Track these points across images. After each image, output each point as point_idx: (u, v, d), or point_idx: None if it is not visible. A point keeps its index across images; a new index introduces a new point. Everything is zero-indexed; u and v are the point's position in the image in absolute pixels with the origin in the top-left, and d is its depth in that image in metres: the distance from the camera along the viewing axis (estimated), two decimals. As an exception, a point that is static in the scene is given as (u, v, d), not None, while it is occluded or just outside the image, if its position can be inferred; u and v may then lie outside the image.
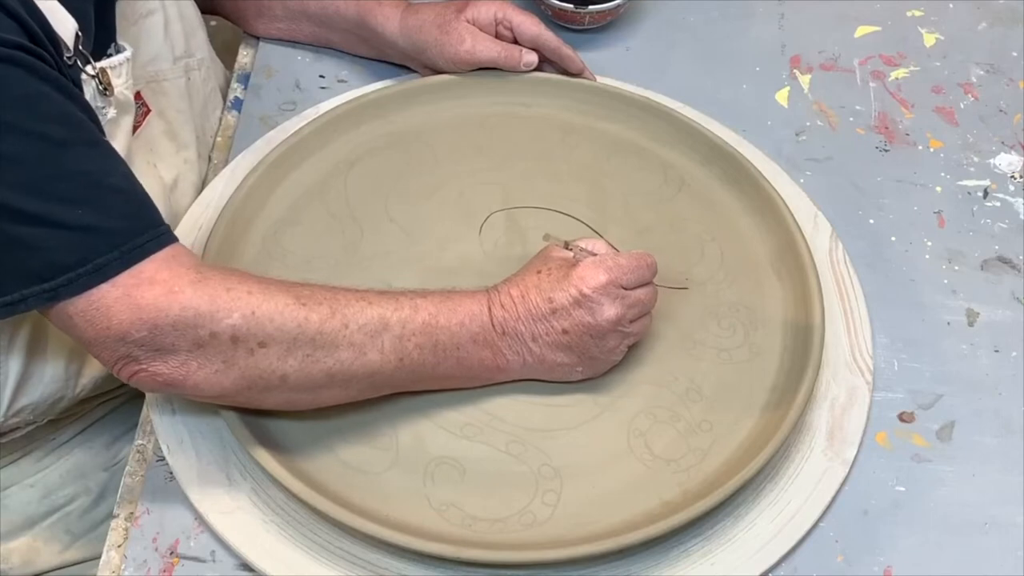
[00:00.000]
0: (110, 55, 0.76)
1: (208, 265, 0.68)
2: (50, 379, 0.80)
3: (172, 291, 0.64)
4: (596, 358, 0.74)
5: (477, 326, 0.72)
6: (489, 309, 0.72)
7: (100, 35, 0.75)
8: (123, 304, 0.64)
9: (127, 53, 0.77)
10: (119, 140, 0.78)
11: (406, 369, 0.70)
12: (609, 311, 0.72)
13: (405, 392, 0.75)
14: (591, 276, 0.72)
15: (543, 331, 0.73)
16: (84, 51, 0.72)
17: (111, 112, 0.76)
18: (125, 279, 0.64)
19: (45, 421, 0.85)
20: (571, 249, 0.76)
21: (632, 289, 0.74)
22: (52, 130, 0.63)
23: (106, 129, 0.75)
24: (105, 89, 0.74)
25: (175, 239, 0.67)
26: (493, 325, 0.72)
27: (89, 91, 0.73)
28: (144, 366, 0.65)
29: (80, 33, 0.70)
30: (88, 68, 0.72)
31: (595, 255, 0.75)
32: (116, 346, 0.65)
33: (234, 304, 0.65)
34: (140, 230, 0.65)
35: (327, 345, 0.67)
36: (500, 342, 0.73)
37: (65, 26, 0.69)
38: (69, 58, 0.70)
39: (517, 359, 0.74)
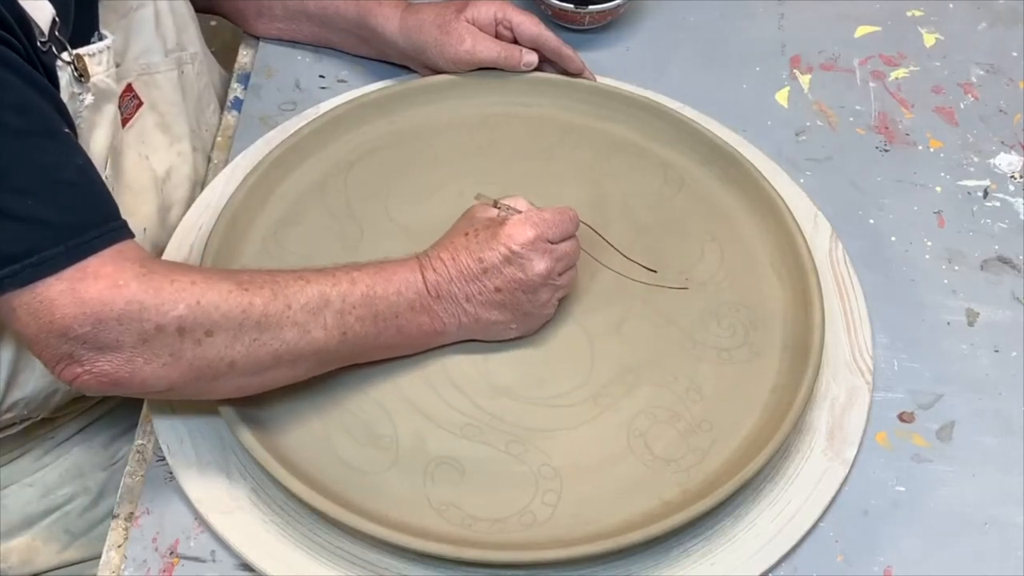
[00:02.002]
0: (93, 43, 0.76)
1: (154, 259, 0.68)
2: (41, 372, 0.80)
3: (117, 285, 0.64)
4: (529, 313, 0.76)
5: (413, 292, 0.73)
6: (422, 274, 0.74)
7: (82, 23, 0.75)
8: (67, 298, 0.63)
9: (107, 41, 0.77)
10: (102, 128, 0.78)
11: (349, 342, 0.71)
12: (539, 265, 0.74)
13: (404, 392, 0.75)
14: (519, 233, 0.74)
15: (476, 291, 0.74)
16: (61, 37, 0.71)
17: (88, 98, 0.75)
18: (70, 273, 0.63)
19: (40, 417, 0.85)
20: (498, 208, 0.77)
21: (558, 243, 0.75)
22: (7, 118, 0.63)
23: (86, 117, 0.75)
24: (80, 76, 0.74)
25: (127, 235, 0.67)
26: (428, 290, 0.73)
27: (65, 77, 0.73)
28: (87, 367, 0.64)
29: (57, 19, 0.70)
30: (64, 55, 0.72)
31: (520, 212, 0.76)
32: (58, 343, 0.64)
33: (179, 295, 0.65)
34: (90, 225, 0.65)
35: (272, 327, 0.68)
36: (436, 306, 0.74)
37: (42, 12, 0.69)
38: (44, 43, 0.69)
39: (453, 321, 0.75)
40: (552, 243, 0.75)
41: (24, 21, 0.67)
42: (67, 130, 0.68)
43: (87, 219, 0.65)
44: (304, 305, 0.69)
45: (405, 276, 0.73)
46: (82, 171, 0.67)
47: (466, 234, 0.75)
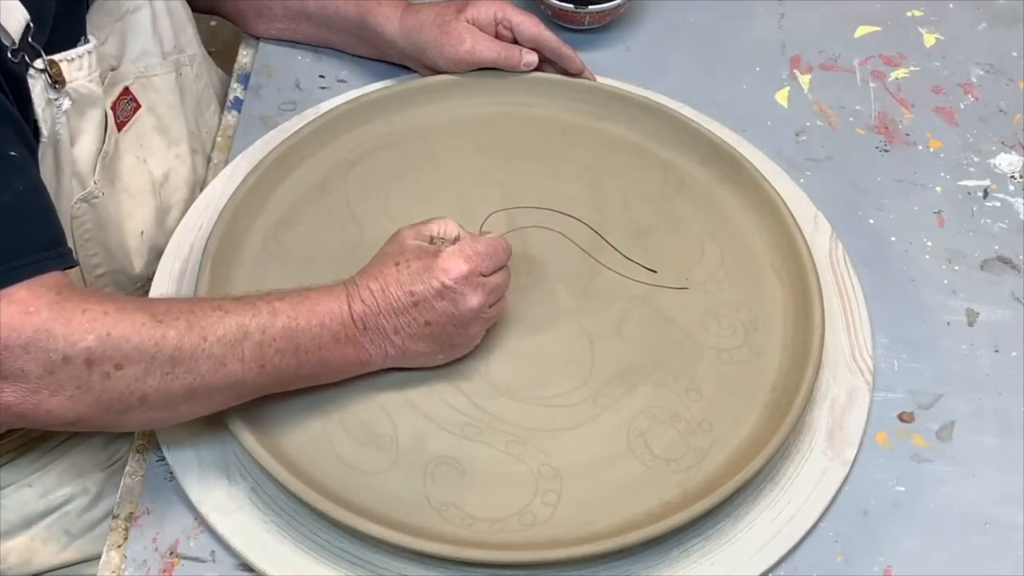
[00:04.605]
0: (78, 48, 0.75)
1: (71, 287, 0.65)
2: None
3: (27, 312, 0.61)
4: (457, 344, 0.75)
5: (338, 324, 0.71)
6: (349, 306, 0.71)
7: (67, 27, 0.74)
8: None
9: (89, 46, 0.76)
10: (88, 135, 0.77)
11: (268, 374, 0.69)
12: (472, 300, 0.72)
13: (404, 392, 0.75)
14: (453, 267, 0.72)
15: (405, 323, 0.72)
16: (35, 44, 0.70)
17: (65, 103, 0.74)
18: None
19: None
20: (432, 241, 0.75)
21: (490, 275, 0.74)
22: None
23: (70, 124, 0.75)
24: (55, 82, 0.73)
25: (59, 265, 0.65)
26: (354, 321, 0.71)
27: (38, 85, 0.72)
28: None
29: (32, 24, 0.69)
30: (37, 62, 0.71)
31: (452, 242, 0.74)
32: None
33: (89, 325, 0.63)
34: (20, 252, 0.63)
35: (186, 360, 0.65)
36: (362, 337, 0.72)
37: (12, 18, 0.68)
38: (14, 52, 0.68)
39: (379, 352, 0.73)
40: (484, 276, 0.73)
41: None
42: (14, 152, 0.66)
43: (16, 246, 0.63)
44: (221, 338, 0.66)
45: (330, 307, 0.71)
46: (21, 196, 0.65)
47: (396, 264, 0.73)
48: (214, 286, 0.77)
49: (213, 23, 1.08)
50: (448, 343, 0.74)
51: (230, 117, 0.96)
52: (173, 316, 0.66)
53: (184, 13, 0.90)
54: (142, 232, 0.85)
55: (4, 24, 0.68)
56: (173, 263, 0.83)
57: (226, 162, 0.91)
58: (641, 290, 0.82)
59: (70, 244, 0.71)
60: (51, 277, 0.64)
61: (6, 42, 0.68)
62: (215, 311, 0.67)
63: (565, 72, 0.94)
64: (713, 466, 0.73)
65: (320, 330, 0.70)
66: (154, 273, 0.84)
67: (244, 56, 1.01)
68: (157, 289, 0.82)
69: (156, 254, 0.85)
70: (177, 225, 0.86)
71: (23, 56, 0.70)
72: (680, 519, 0.68)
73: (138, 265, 0.86)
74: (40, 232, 0.66)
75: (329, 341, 0.70)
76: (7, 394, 0.62)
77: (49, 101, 0.73)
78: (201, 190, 0.89)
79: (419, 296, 0.72)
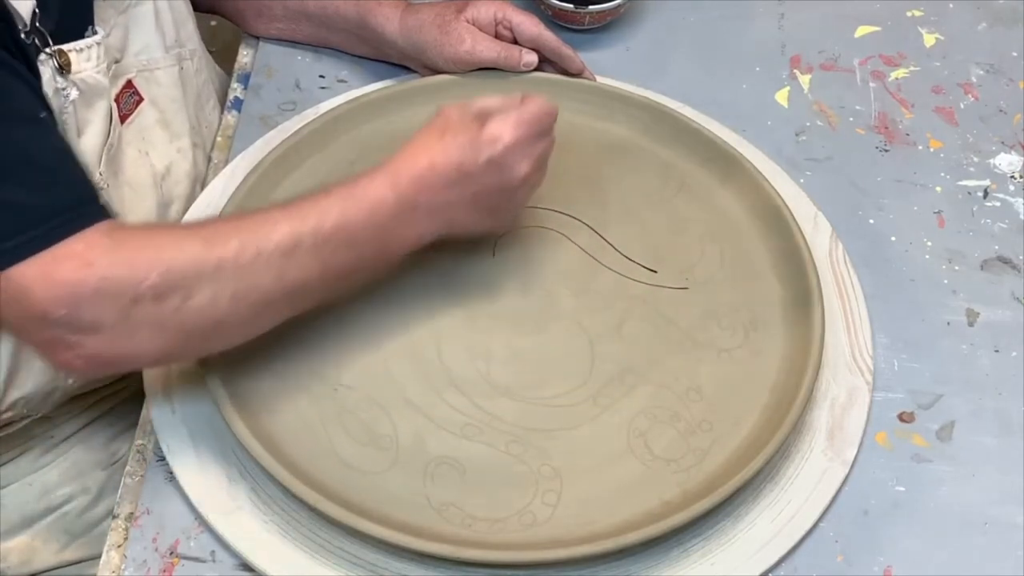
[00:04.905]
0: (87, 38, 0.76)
1: (121, 229, 0.66)
2: (39, 370, 0.80)
3: (88, 264, 0.62)
4: (504, 211, 0.76)
5: (387, 209, 0.70)
6: (396, 188, 0.70)
7: (73, 17, 0.75)
8: (41, 283, 0.62)
9: (97, 36, 0.76)
10: (95, 125, 0.77)
11: (330, 273, 0.69)
12: (519, 169, 0.72)
13: (404, 392, 0.75)
14: (499, 137, 0.71)
15: (454, 197, 0.72)
16: (42, 28, 0.71)
17: (73, 93, 0.75)
18: (44, 256, 0.62)
19: (40, 415, 0.85)
20: (476, 111, 0.73)
21: (537, 142, 0.74)
22: None
23: (77, 114, 0.75)
24: (62, 69, 0.73)
25: (103, 216, 0.65)
26: (403, 202, 0.70)
27: (47, 72, 0.72)
28: (76, 350, 0.63)
29: (38, 11, 0.70)
30: (46, 48, 0.72)
31: (496, 112, 0.73)
32: (40, 328, 0.63)
33: (149, 264, 0.63)
34: (65, 208, 0.64)
35: (247, 277, 0.66)
36: (412, 217, 0.71)
37: (21, 2, 0.69)
38: (26, 35, 0.69)
39: (430, 227, 0.73)
40: (531, 144, 0.73)
41: (4, 9, 0.67)
42: (44, 115, 0.67)
43: (62, 202, 0.64)
44: (275, 249, 0.66)
45: (378, 193, 0.70)
46: (58, 154, 0.66)
47: (442, 138, 0.71)
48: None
49: (213, 23, 1.08)
50: (495, 211, 0.75)
51: (230, 117, 0.96)
52: (225, 237, 0.66)
53: (185, 8, 0.90)
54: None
55: (16, 6, 0.68)
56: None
57: (226, 162, 0.91)
58: (641, 290, 0.82)
59: None
60: (101, 226, 0.64)
61: (19, 24, 0.69)
62: (264, 224, 0.67)
63: (565, 72, 0.94)
64: (713, 466, 0.73)
65: (371, 218, 0.69)
66: None
67: (244, 56, 1.01)
68: None
69: None
70: (179, 218, 0.86)
71: (33, 39, 0.70)
72: (680, 519, 0.68)
73: None
74: (82, 186, 0.66)
75: (381, 228, 0.70)
76: (90, 346, 0.63)
77: (57, 91, 0.73)
78: (202, 187, 0.89)
79: (467, 168, 0.71)
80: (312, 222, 0.68)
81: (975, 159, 0.95)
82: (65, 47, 0.74)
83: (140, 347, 0.64)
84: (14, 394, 0.79)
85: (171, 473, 0.73)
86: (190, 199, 0.88)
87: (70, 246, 0.63)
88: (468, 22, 0.91)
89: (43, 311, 0.62)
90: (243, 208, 0.81)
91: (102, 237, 0.64)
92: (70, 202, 0.64)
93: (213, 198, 0.87)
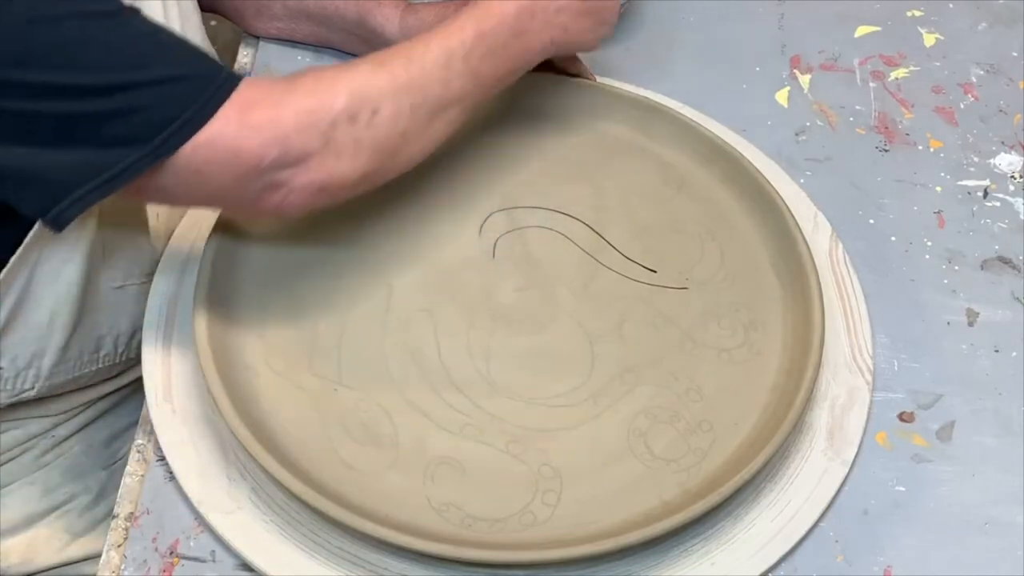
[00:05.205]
0: None
1: (280, 77, 0.70)
2: (33, 325, 0.79)
3: (277, 103, 0.66)
4: (605, 19, 0.83)
5: (511, 19, 0.77)
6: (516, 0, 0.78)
7: None
8: (244, 134, 0.65)
9: None
10: None
11: (481, 82, 0.76)
12: None
13: (404, 392, 0.75)
14: None
15: (564, 2, 0.80)
16: None
17: None
18: (230, 113, 0.65)
19: (31, 391, 0.83)
20: None
21: None
22: (99, 5, 0.64)
23: None
24: None
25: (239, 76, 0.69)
26: (523, 10, 0.78)
27: None
28: (289, 186, 0.68)
29: None
30: None
31: None
32: (256, 179, 0.66)
33: (332, 88, 0.68)
34: (216, 68, 0.66)
35: (419, 89, 0.72)
36: (532, 24, 0.79)
37: None
38: None
39: (547, 36, 0.80)
40: None
41: None
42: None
43: (211, 64, 0.66)
44: (435, 62, 0.73)
45: (501, 7, 0.77)
46: (170, 32, 0.68)
47: None
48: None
49: (213, 23, 1.08)
50: (599, 16, 0.83)
51: (230, 117, 0.96)
52: (390, 58, 0.72)
53: (191, 5, 0.90)
54: (157, 215, 0.86)
55: None
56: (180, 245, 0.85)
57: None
58: (641, 290, 0.83)
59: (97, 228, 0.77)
60: (251, 80, 0.67)
61: None
62: (419, 44, 0.74)
63: (565, 72, 0.94)
64: (713, 466, 0.73)
65: (501, 28, 0.77)
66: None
67: (244, 56, 1.01)
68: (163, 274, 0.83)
69: (171, 233, 0.87)
70: (183, 212, 0.87)
71: None
72: (680, 519, 0.68)
73: (158, 246, 0.87)
74: (207, 55, 0.69)
75: (510, 37, 0.78)
76: (301, 176, 0.67)
77: None
78: None
79: None
80: (456, 37, 0.75)
81: (975, 159, 0.95)
82: None
83: (344, 169, 0.69)
84: (3, 341, 0.79)
85: (171, 473, 0.73)
86: None
87: (248, 97, 0.66)
88: (468, 21, 0.91)
89: (257, 158, 0.65)
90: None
91: (273, 83, 0.67)
92: (214, 64, 0.67)
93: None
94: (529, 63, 0.81)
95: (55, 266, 0.77)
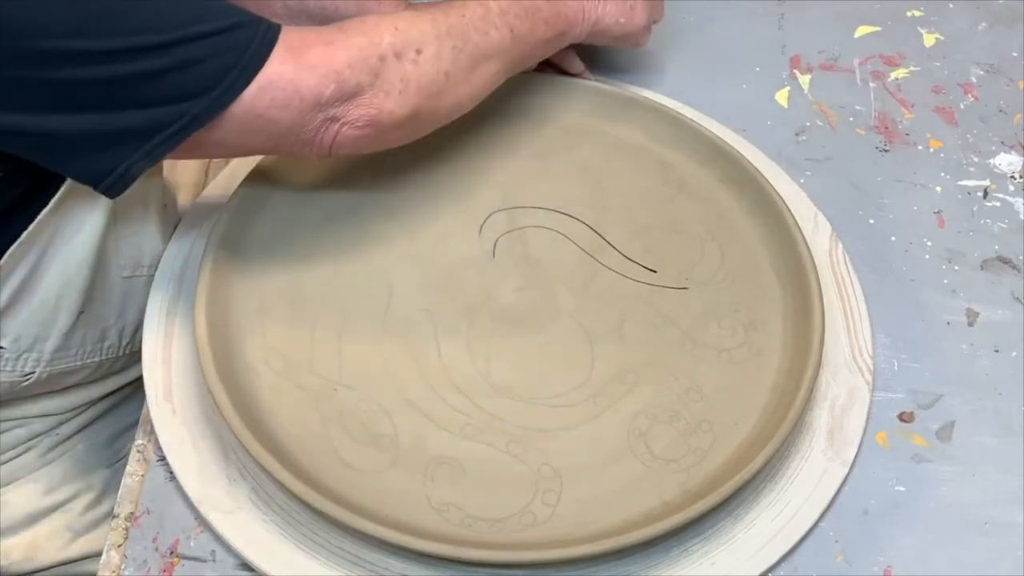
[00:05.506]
0: None
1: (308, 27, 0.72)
2: (38, 306, 0.79)
3: (328, 43, 0.69)
4: (635, 11, 0.88)
5: None
6: None
7: None
8: (302, 72, 0.68)
9: None
10: None
11: (518, 40, 0.79)
12: None
13: (404, 392, 0.75)
14: None
15: None
16: None
17: None
18: (283, 55, 0.67)
19: (32, 376, 0.83)
20: None
21: None
22: None
23: None
24: None
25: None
26: None
27: None
28: (343, 119, 0.71)
29: None
30: None
31: None
32: (315, 115, 0.69)
33: (377, 28, 0.72)
34: (258, 18, 0.67)
35: (459, 34, 0.75)
36: None
37: None
38: None
39: (579, 6, 0.84)
40: None
41: None
42: None
43: (251, 15, 0.68)
44: (473, 14, 0.77)
45: None
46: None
47: None
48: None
49: (213, 23, 1.08)
50: (628, 6, 0.87)
51: (231, 116, 0.96)
52: (430, 8, 0.76)
53: None
54: (165, 205, 0.86)
55: None
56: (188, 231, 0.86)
57: (226, 163, 0.91)
58: (641, 290, 0.83)
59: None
60: (291, 28, 0.69)
61: None
62: (456, 2, 0.77)
63: (565, 73, 0.94)
64: (713, 466, 0.73)
65: None
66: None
67: (244, 56, 1.01)
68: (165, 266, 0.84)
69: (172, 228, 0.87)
70: (188, 208, 0.88)
71: None
72: (680, 519, 0.68)
73: (166, 238, 0.87)
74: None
75: (543, 2, 0.81)
76: (356, 110, 0.71)
77: None
78: (205, 175, 0.90)
79: None
80: None
81: (975, 159, 0.95)
82: None
83: (395, 104, 0.72)
84: (6, 323, 0.78)
85: (171, 473, 0.73)
86: (195, 189, 0.89)
87: (299, 39, 0.68)
88: (468, 21, 0.91)
89: (317, 94, 0.68)
90: (247, 202, 0.82)
91: (316, 29, 0.70)
92: (254, 16, 0.68)
93: (213, 199, 0.87)
94: (565, 33, 0.84)
95: (67, 250, 0.77)
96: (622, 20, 0.87)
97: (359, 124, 0.71)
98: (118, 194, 0.67)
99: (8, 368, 0.81)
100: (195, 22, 0.65)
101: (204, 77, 0.65)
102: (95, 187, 0.67)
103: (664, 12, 0.93)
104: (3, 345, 0.80)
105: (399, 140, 0.77)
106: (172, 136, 0.66)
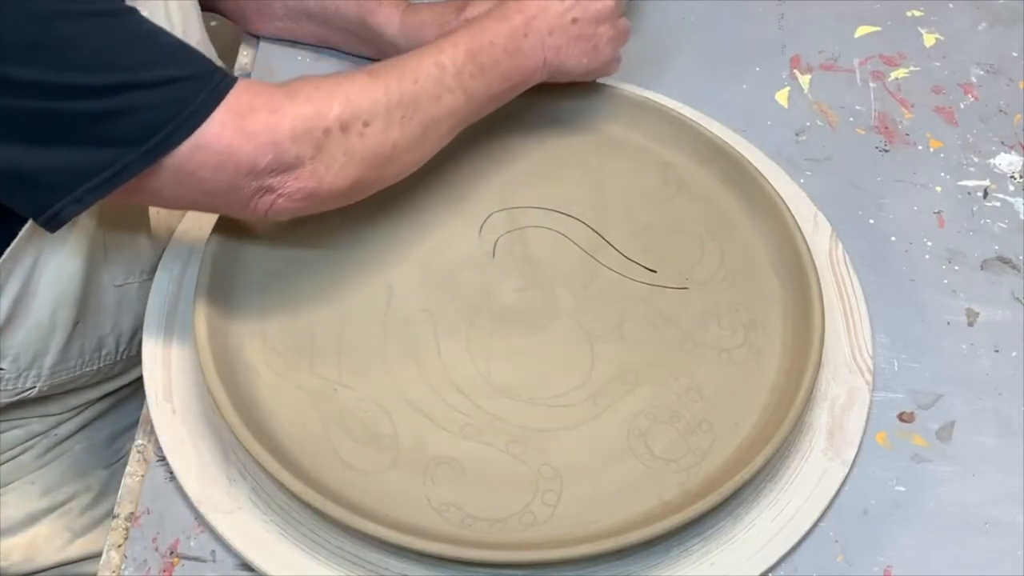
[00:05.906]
0: None
1: (279, 83, 0.71)
2: (34, 323, 0.79)
3: (275, 110, 0.67)
4: (597, 48, 0.85)
5: (504, 37, 0.80)
6: (508, 20, 0.81)
7: None
8: (240, 138, 0.66)
9: None
10: None
11: (471, 99, 0.78)
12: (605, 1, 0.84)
13: (404, 392, 0.75)
14: None
15: (556, 23, 0.82)
16: None
17: None
18: (227, 116, 0.66)
19: (32, 391, 0.83)
20: None
21: None
22: (99, 4, 0.64)
23: None
24: None
25: (233, 77, 0.69)
26: (516, 30, 0.81)
27: None
28: (279, 191, 0.69)
29: None
30: None
31: None
32: (249, 182, 0.68)
33: (328, 98, 0.70)
34: (212, 70, 0.67)
35: (410, 103, 0.74)
36: (524, 44, 0.81)
37: None
38: None
39: (539, 57, 0.82)
40: None
41: None
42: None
43: (207, 65, 0.67)
44: (427, 76, 0.75)
45: (495, 26, 0.80)
46: (167, 33, 0.68)
47: None
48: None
49: (214, 23, 1.07)
50: (591, 46, 0.84)
51: (230, 117, 0.96)
52: (384, 71, 0.74)
53: (191, 5, 0.90)
54: (158, 212, 0.86)
55: None
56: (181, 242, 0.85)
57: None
58: (641, 290, 0.83)
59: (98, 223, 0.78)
60: (254, 83, 0.69)
61: None
62: (412, 59, 0.76)
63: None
64: (713, 466, 0.73)
65: (493, 47, 0.79)
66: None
67: (244, 56, 1.01)
68: (163, 273, 0.83)
69: (170, 233, 0.86)
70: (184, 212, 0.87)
71: None
72: (680, 519, 0.68)
73: (159, 244, 0.87)
74: (203, 56, 0.69)
75: (502, 55, 0.80)
76: (293, 181, 0.69)
77: None
78: None
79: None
80: (448, 54, 0.77)
81: (975, 159, 0.95)
82: None
83: (335, 177, 0.71)
84: (5, 342, 0.78)
85: (171, 473, 0.73)
86: None
87: (247, 101, 0.67)
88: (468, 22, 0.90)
89: (252, 162, 0.67)
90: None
91: (270, 89, 0.69)
92: (210, 65, 0.67)
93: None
94: (523, 83, 0.83)
95: (56, 263, 0.77)
96: (585, 60, 0.85)
97: (296, 197, 0.70)
98: (55, 229, 0.66)
99: (9, 388, 0.81)
100: (142, 67, 0.64)
101: (141, 127, 0.64)
102: (34, 219, 0.66)
103: (629, 36, 0.90)
104: (3, 367, 0.80)
105: (342, 205, 0.75)
106: (105, 181, 0.64)
